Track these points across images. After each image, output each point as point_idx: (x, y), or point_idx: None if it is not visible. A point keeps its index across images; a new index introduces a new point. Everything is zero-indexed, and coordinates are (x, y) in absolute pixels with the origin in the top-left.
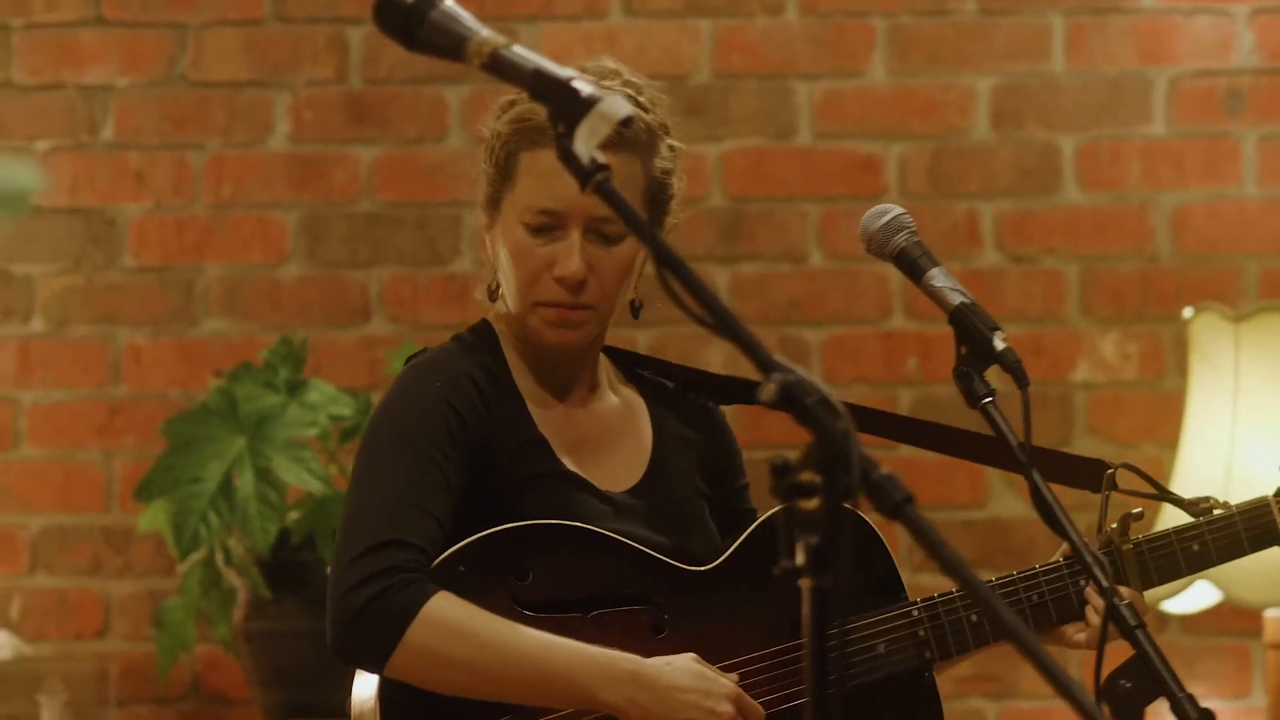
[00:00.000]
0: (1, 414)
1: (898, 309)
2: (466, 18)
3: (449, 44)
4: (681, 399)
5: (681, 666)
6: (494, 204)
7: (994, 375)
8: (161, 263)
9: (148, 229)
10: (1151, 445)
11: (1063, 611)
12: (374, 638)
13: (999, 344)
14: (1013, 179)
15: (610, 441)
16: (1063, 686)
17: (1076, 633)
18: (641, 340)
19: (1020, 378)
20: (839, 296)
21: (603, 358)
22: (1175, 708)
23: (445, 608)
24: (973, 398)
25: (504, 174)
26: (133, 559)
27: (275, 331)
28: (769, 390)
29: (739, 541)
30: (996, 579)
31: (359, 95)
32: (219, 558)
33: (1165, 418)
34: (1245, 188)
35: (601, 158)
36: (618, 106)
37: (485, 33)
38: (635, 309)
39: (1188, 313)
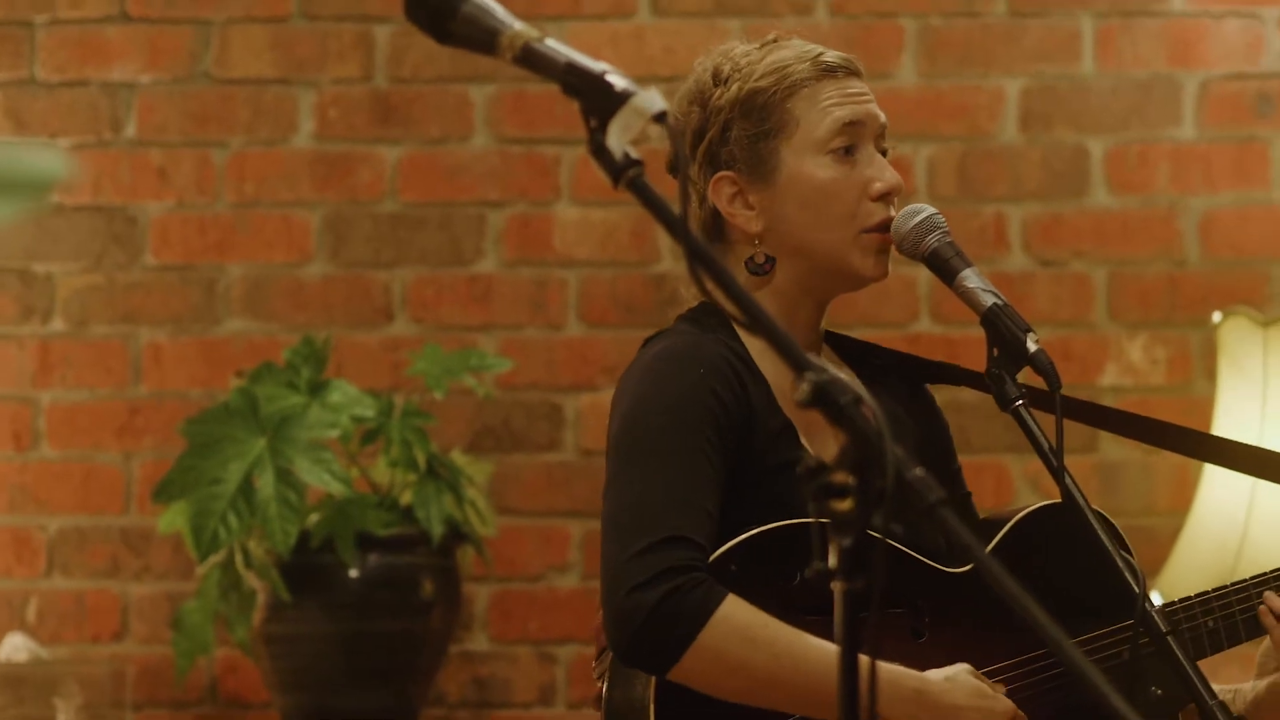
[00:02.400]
0: (20, 414)
1: (924, 312)
2: (499, 11)
3: (481, 37)
4: (897, 382)
5: (962, 684)
6: (768, 165)
7: (1025, 378)
8: (183, 261)
9: (170, 227)
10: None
11: (1251, 630)
12: (665, 639)
13: (1032, 346)
14: (1041, 182)
15: None
16: (1099, 691)
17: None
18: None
19: (1053, 380)
20: (866, 299)
21: None
22: (1205, 715)
23: (736, 611)
24: (1004, 400)
25: (778, 127)
26: (151, 561)
27: (298, 331)
28: (802, 390)
29: (995, 542)
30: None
31: (384, 94)
32: (238, 560)
33: (1193, 423)
34: (1274, 191)
35: (634, 153)
36: (651, 101)
37: (518, 26)
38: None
39: (1216, 317)
